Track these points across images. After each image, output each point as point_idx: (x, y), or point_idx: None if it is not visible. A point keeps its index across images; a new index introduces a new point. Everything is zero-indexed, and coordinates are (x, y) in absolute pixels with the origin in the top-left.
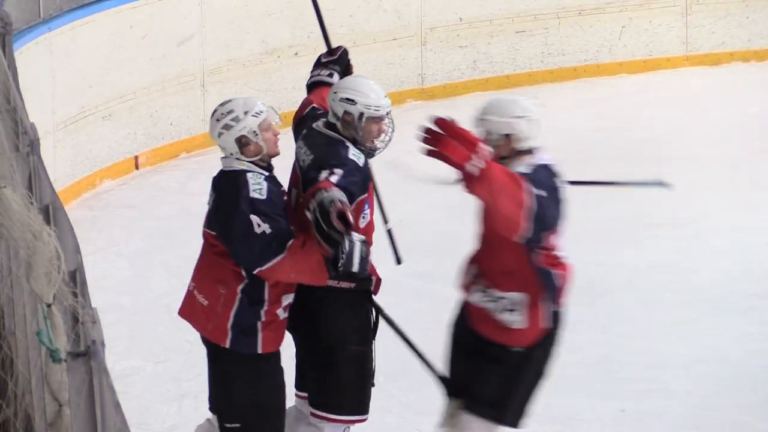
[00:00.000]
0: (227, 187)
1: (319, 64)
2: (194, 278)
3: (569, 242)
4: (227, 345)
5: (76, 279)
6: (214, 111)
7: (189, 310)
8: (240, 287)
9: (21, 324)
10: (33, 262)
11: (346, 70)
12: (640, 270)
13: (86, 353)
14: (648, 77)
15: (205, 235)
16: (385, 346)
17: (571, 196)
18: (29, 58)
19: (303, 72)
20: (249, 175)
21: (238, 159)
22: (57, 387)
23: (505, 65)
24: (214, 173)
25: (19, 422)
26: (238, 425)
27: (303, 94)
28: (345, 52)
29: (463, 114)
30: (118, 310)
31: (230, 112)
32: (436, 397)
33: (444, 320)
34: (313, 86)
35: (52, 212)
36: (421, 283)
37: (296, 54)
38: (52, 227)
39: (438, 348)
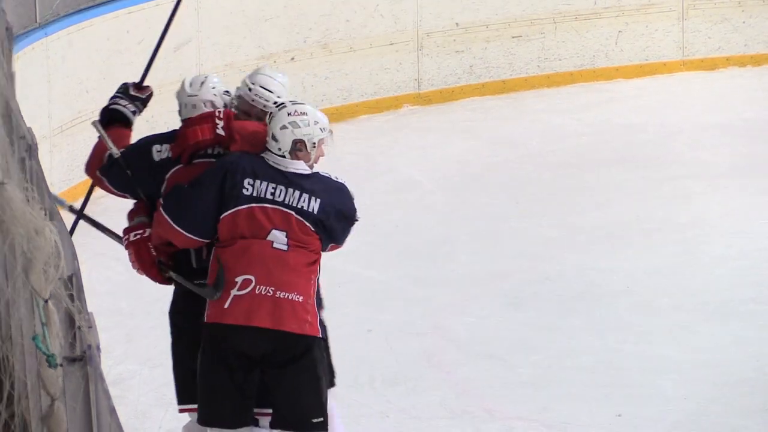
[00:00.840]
0: (336, 193)
1: (126, 95)
2: (272, 282)
3: (567, 248)
4: (320, 333)
5: (73, 284)
6: (283, 104)
7: (277, 316)
8: (318, 274)
9: (17, 327)
10: (33, 257)
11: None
12: (637, 275)
13: (82, 358)
14: (644, 82)
15: (293, 235)
16: (382, 351)
17: (567, 203)
18: (26, 63)
19: (300, 77)
20: (325, 173)
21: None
22: (52, 389)
23: (502, 70)
24: None
25: (17, 427)
26: (322, 418)
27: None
28: (151, 95)
29: (460, 118)
30: (115, 314)
31: (304, 113)
32: (433, 402)
33: (439, 325)
34: (113, 117)
35: (48, 217)
36: (414, 288)
37: (292, 59)
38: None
39: (435, 353)
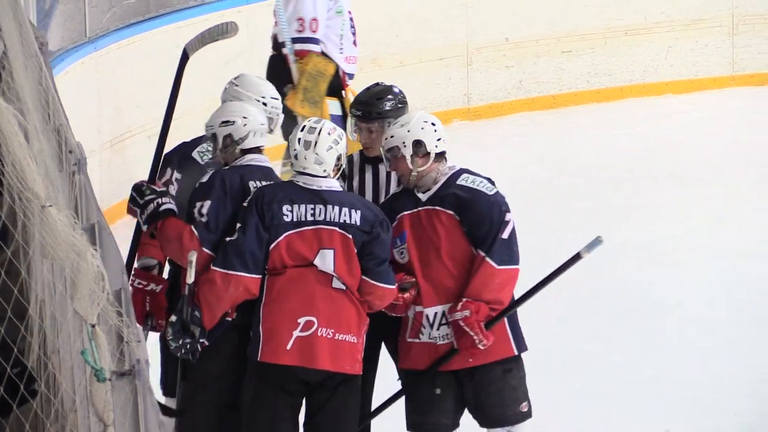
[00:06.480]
0: (371, 205)
1: (152, 191)
2: (333, 324)
3: (618, 263)
4: (360, 371)
5: (121, 299)
6: (312, 128)
7: (335, 358)
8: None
9: (66, 343)
10: (77, 282)
11: None
12: (689, 290)
13: (131, 372)
14: (694, 97)
15: (340, 254)
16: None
17: (617, 217)
18: (76, 78)
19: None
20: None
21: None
22: (102, 407)
23: (552, 85)
24: None
25: None
26: None
27: None
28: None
29: (510, 133)
30: None
31: (335, 129)
32: None
33: None
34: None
35: (98, 232)
36: None
37: None
38: (98, 247)
39: None
